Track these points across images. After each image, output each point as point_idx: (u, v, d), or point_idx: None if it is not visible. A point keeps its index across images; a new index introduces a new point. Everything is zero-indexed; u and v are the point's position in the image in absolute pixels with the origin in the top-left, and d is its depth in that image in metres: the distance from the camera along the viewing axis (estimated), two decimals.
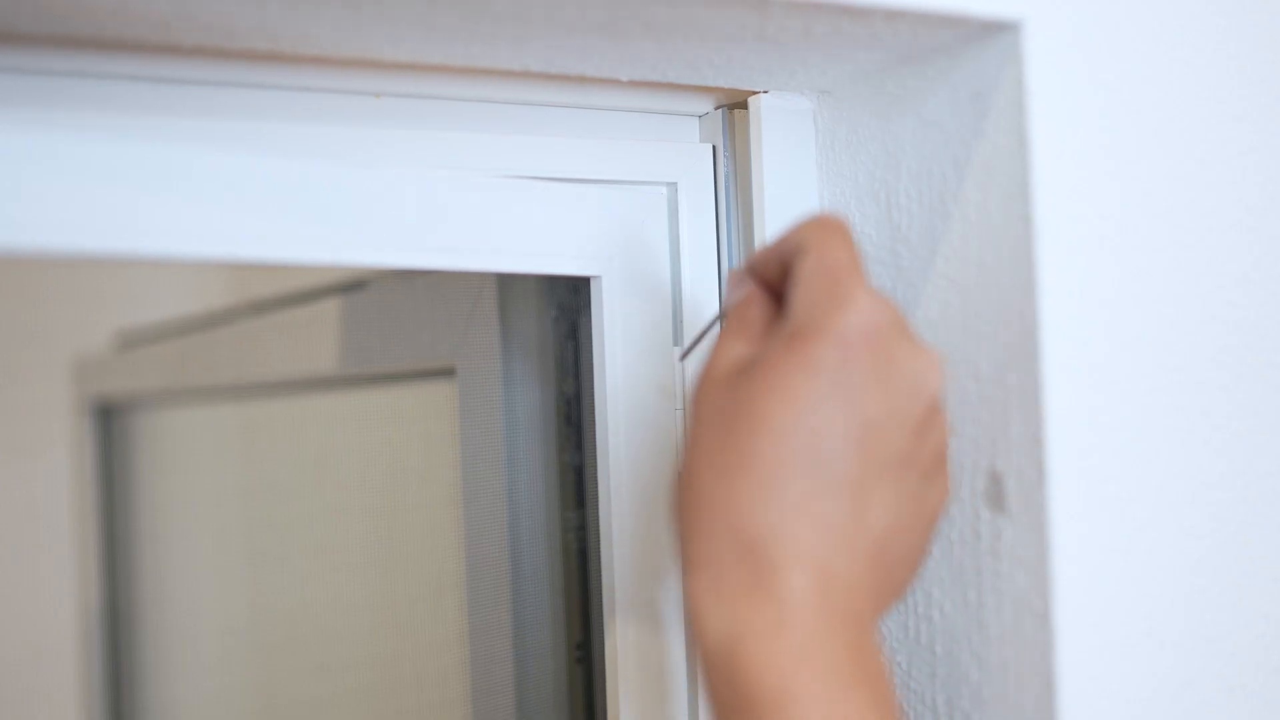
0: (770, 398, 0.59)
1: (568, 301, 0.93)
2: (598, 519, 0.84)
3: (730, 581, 0.58)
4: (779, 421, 0.58)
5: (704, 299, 0.82)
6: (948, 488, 0.66)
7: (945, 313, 0.72)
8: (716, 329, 0.76)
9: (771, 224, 0.79)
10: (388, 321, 1.00)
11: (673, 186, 0.83)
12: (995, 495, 0.69)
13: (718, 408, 0.61)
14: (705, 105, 0.83)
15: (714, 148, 0.84)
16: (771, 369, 0.59)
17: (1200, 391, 0.71)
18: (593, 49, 0.70)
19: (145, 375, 1.47)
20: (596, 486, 0.83)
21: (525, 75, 0.76)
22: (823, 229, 0.63)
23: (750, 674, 0.56)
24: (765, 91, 0.80)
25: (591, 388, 0.85)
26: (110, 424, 1.62)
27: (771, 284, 0.67)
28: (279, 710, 1.19)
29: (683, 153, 0.83)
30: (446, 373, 0.97)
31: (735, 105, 0.83)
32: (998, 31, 0.68)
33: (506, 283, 0.92)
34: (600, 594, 0.85)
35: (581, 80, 0.77)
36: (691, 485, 0.61)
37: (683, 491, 0.61)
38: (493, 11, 0.63)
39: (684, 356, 0.82)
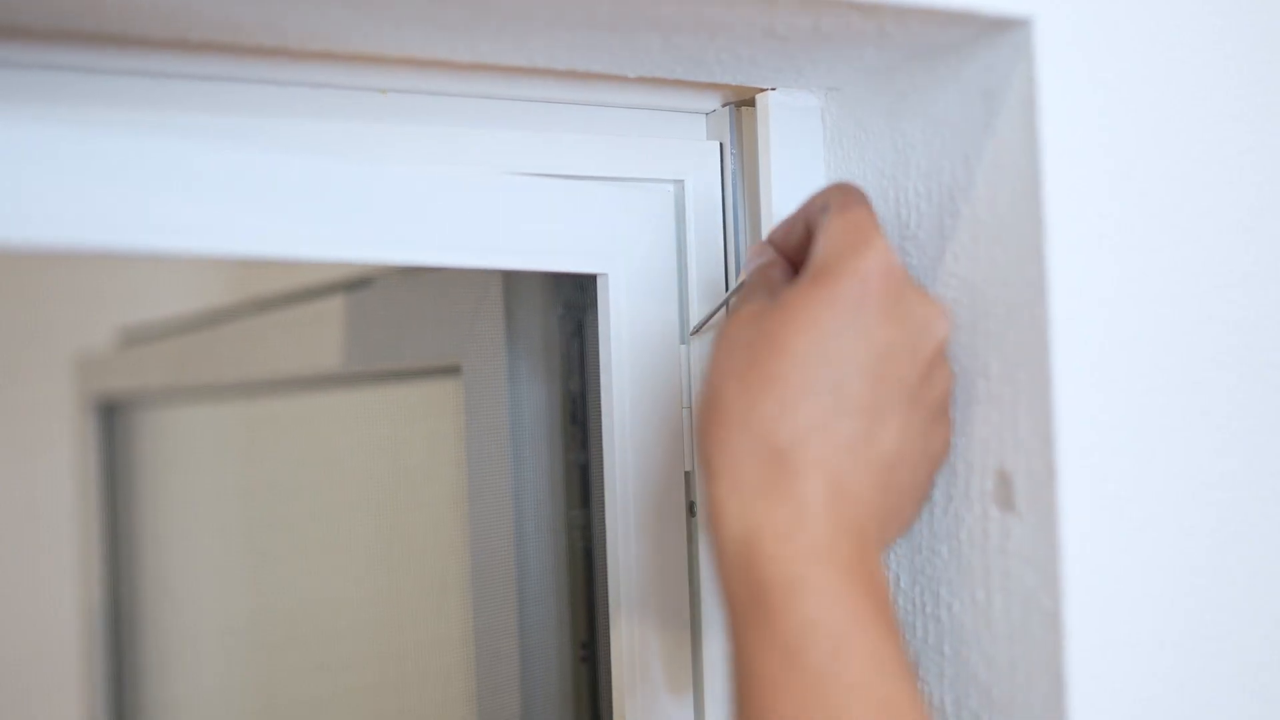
0: (793, 327, 0.64)
1: (574, 299, 0.92)
2: (603, 517, 0.83)
3: (751, 483, 0.62)
4: (802, 347, 0.63)
5: (711, 297, 0.82)
6: (949, 438, 0.71)
7: (954, 311, 0.71)
8: (727, 309, 0.80)
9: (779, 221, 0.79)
10: (393, 319, 1.00)
11: (680, 184, 0.83)
12: (1004, 494, 0.69)
13: (743, 339, 0.65)
14: (712, 102, 0.82)
15: (721, 145, 0.83)
16: (795, 302, 0.65)
17: (1205, 390, 0.71)
18: (600, 45, 0.69)
19: (148, 373, 1.46)
20: (602, 485, 0.83)
21: (532, 71, 0.75)
22: (845, 191, 0.69)
23: (765, 566, 0.61)
24: (773, 89, 0.79)
25: (597, 386, 0.85)
26: (113, 422, 1.61)
27: (791, 256, 0.73)
28: (282, 709, 1.18)
29: (690, 150, 0.83)
30: (452, 370, 0.96)
31: (743, 102, 0.82)
32: (1008, 28, 0.67)
33: (512, 280, 0.92)
34: (605, 594, 0.84)
35: (588, 77, 0.77)
36: (718, 403, 0.65)
37: (708, 409, 0.65)
38: (500, 7, 0.62)
39: (695, 331, 0.82)
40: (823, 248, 0.66)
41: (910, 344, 0.65)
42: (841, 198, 0.68)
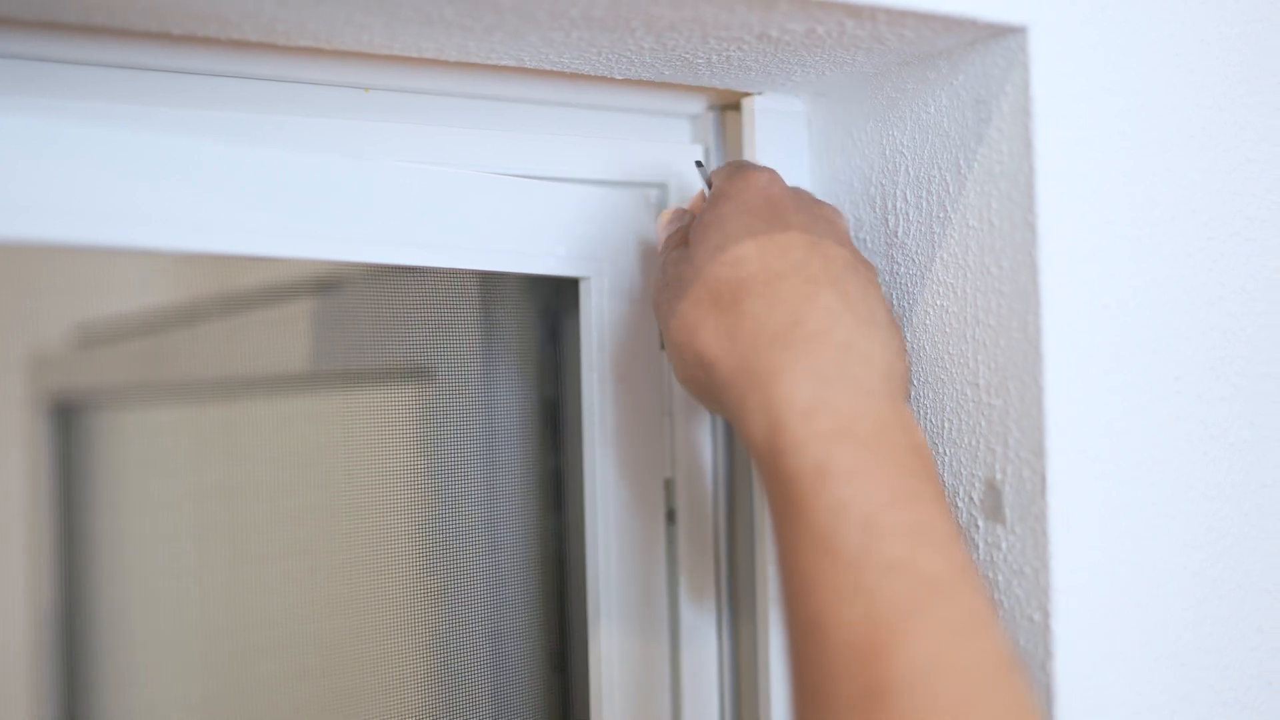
0: (710, 243, 0.67)
1: (550, 303, 0.91)
2: (577, 524, 0.82)
3: (764, 374, 0.62)
4: (748, 252, 0.66)
5: None
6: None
7: (943, 319, 0.71)
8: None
9: None
10: (364, 321, 0.98)
11: (663, 188, 0.82)
12: (993, 505, 0.68)
13: (678, 275, 0.68)
14: (698, 106, 0.82)
15: (705, 149, 0.83)
16: (710, 221, 0.68)
17: (1199, 401, 0.71)
18: (591, 45, 0.68)
19: (107, 372, 1.44)
20: (576, 491, 0.82)
21: (518, 71, 0.74)
22: (730, 163, 0.73)
23: (791, 455, 0.60)
24: (759, 93, 0.79)
25: (572, 391, 0.84)
26: (68, 422, 1.58)
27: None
28: (252, 715, 1.16)
29: (674, 154, 0.82)
30: (425, 374, 0.95)
31: (728, 107, 0.82)
32: (1004, 35, 0.67)
33: (487, 283, 0.91)
34: (578, 601, 0.83)
35: (574, 78, 0.76)
36: (700, 333, 0.66)
37: (694, 348, 0.66)
38: (497, 4, 0.61)
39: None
40: (714, 188, 0.71)
41: (829, 228, 0.68)
42: (726, 166, 0.73)
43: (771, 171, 0.70)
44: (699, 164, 0.75)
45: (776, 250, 0.66)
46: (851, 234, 0.77)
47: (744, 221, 0.67)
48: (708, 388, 0.67)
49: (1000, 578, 0.68)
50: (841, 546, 0.57)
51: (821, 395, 0.60)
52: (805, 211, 0.69)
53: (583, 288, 0.80)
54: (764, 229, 0.66)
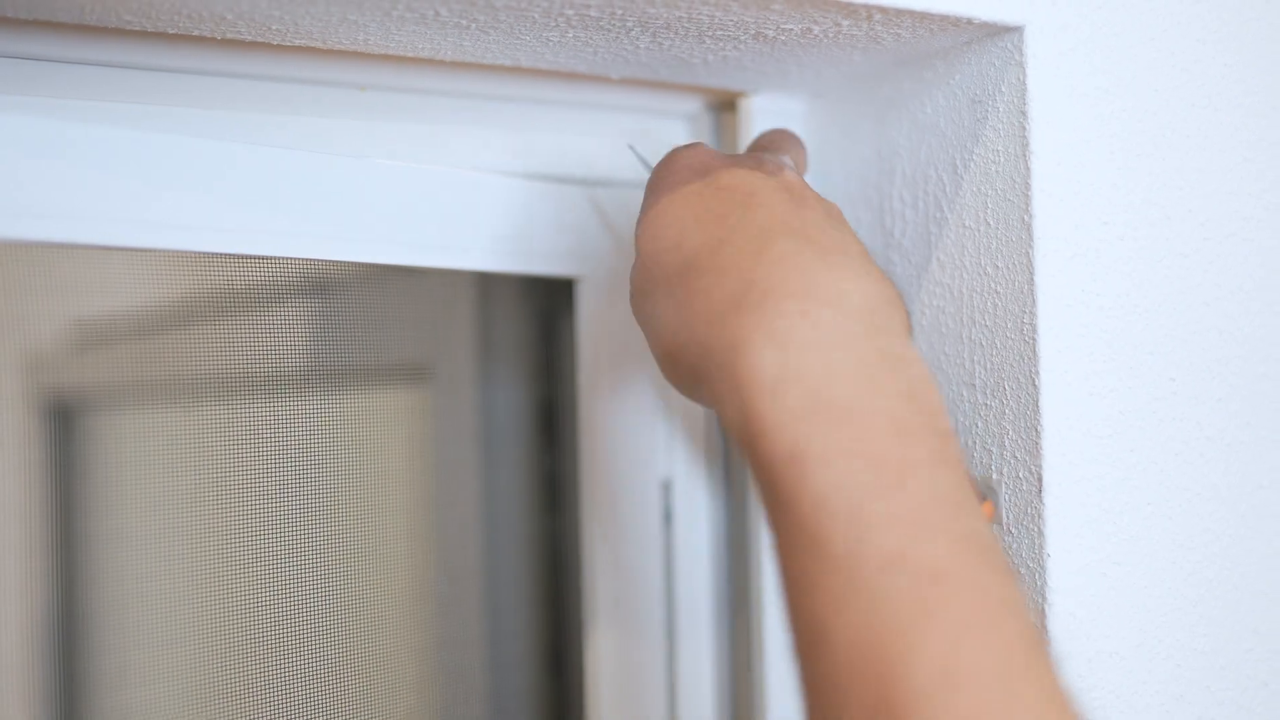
0: (648, 234, 0.62)
1: (546, 303, 0.91)
2: (573, 524, 0.82)
3: (723, 357, 0.55)
4: (670, 234, 0.61)
5: None
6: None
7: (940, 320, 0.71)
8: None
9: None
10: (361, 321, 0.98)
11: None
12: (989, 505, 0.68)
13: (633, 278, 0.64)
14: (694, 106, 0.82)
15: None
16: (646, 210, 0.63)
17: (1195, 403, 0.71)
18: (587, 44, 0.68)
19: (104, 372, 1.44)
20: (572, 491, 0.82)
21: (514, 70, 0.74)
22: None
23: (766, 439, 0.52)
24: (756, 93, 0.79)
25: (569, 391, 0.83)
26: (65, 423, 1.58)
27: None
28: (248, 715, 1.16)
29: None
30: (422, 374, 0.95)
31: (724, 106, 0.82)
32: (1000, 35, 0.67)
33: (484, 283, 0.91)
34: (575, 601, 0.83)
35: (571, 77, 0.76)
36: (664, 334, 0.60)
37: (659, 348, 0.61)
38: (492, 3, 0.61)
39: None
40: None
41: (779, 173, 0.63)
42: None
43: (697, 144, 0.66)
44: (631, 147, 0.73)
45: (713, 218, 0.60)
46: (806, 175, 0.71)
47: (675, 200, 0.62)
48: (689, 383, 0.61)
49: None
50: (830, 545, 0.50)
51: (786, 363, 0.53)
52: (740, 166, 0.63)
53: (576, 288, 0.80)
54: (696, 200, 0.61)
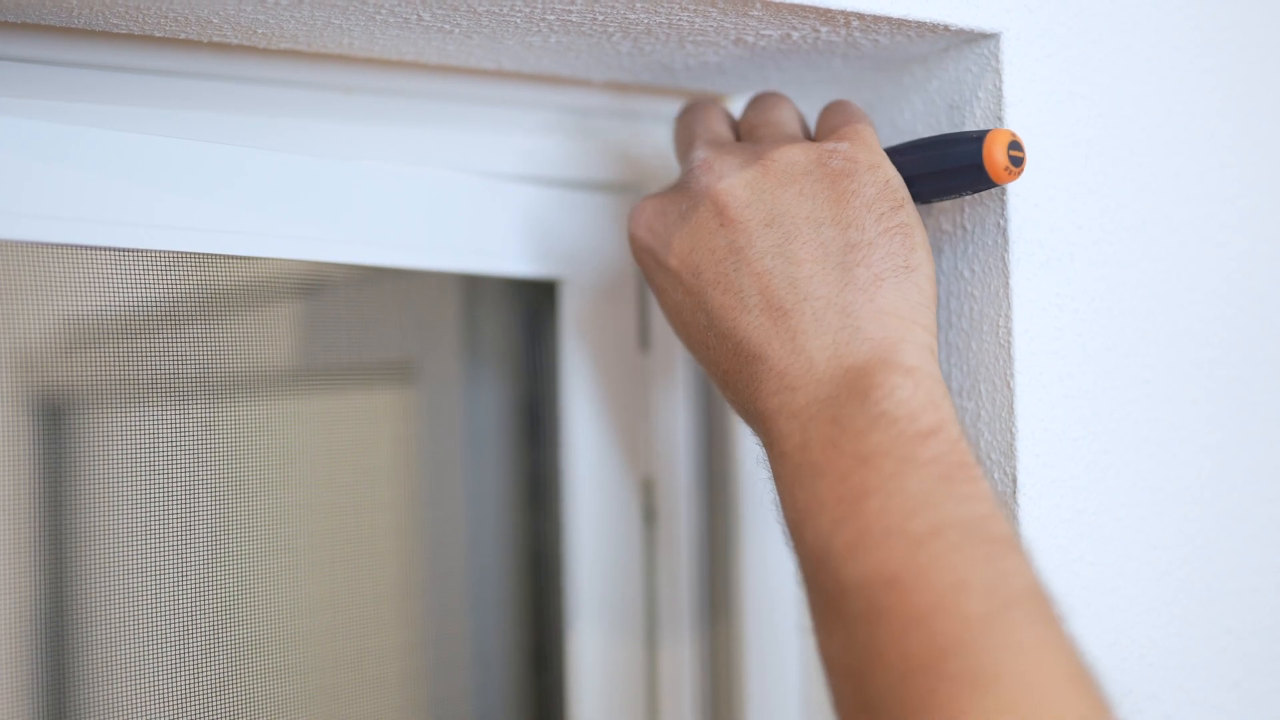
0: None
1: (532, 304, 0.92)
2: (556, 523, 0.83)
3: (744, 378, 0.61)
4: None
5: None
6: None
7: None
8: None
9: None
10: (348, 321, 0.99)
11: (640, 190, 0.82)
12: None
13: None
14: (676, 108, 0.82)
15: None
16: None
17: (1170, 405, 0.72)
18: (569, 49, 0.69)
19: (94, 371, 1.44)
20: (554, 490, 0.83)
21: (497, 74, 0.75)
22: None
23: (780, 444, 0.59)
24: (737, 97, 0.79)
25: (551, 391, 0.84)
26: (54, 420, 1.58)
27: None
28: (232, 713, 1.17)
29: (650, 156, 0.82)
30: (408, 374, 0.95)
31: None
32: (977, 41, 0.68)
33: (470, 284, 0.91)
34: (557, 599, 0.84)
35: (554, 80, 0.77)
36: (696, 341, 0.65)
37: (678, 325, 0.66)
38: (473, 8, 0.62)
39: None
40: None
41: (769, 145, 0.65)
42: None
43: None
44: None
45: (687, 247, 0.65)
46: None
47: (662, 227, 0.67)
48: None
49: None
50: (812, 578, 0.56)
51: (765, 415, 0.60)
52: (721, 163, 0.65)
53: (559, 289, 0.80)
54: (676, 225, 0.66)
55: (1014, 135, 0.62)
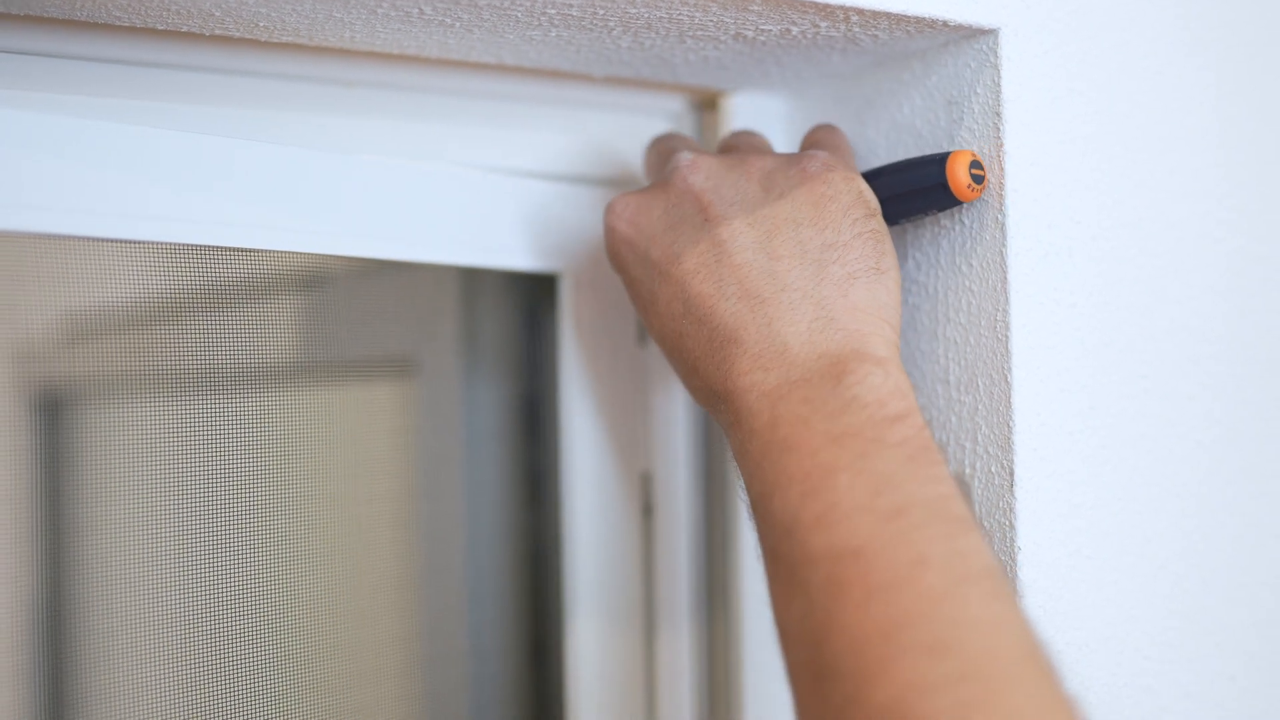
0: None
1: (531, 298, 0.92)
2: (554, 516, 0.83)
3: (715, 361, 0.64)
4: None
5: None
6: None
7: (915, 317, 0.72)
8: None
9: None
10: (349, 315, 0.99)
11: (639, 185, 0.83)
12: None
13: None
14: (677, 104, 0.83)
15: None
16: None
17: (1166, 400, 0.72)
18: (570, 43, 0.69)
19: (92, 364, 1.44)
20: (553, 484, 0.83)
21: (498, 68, 0.75)
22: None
23: (749, 421, 0.61)
24: (737, 92, 0.80)
25: (550, 385, 0.84)
26: (53, 413, 1.58)
27: None
28: (231, 703, 1.17)
29: None
30: (408, 368, 0.96)
31: (706, 105, 0.83)
32: (976, 37, 0.68)
33: (470, 278, 0.91)
34: (556, 592, 0.84)
35: (554, 75, 0.77)
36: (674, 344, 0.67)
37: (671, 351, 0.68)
38: (474, 2, 0.62)
39: None
40: None
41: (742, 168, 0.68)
42: None
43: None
44: None
45: (670, 240, 0.67)
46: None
47: (651, 240, 0.69)
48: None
49: None
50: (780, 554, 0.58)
51: (742, 402, 0.62)
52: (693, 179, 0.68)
53: (558, 283, 0.81)
54: (660, 219, 0.68)
55: (974, 155, 0.66)
